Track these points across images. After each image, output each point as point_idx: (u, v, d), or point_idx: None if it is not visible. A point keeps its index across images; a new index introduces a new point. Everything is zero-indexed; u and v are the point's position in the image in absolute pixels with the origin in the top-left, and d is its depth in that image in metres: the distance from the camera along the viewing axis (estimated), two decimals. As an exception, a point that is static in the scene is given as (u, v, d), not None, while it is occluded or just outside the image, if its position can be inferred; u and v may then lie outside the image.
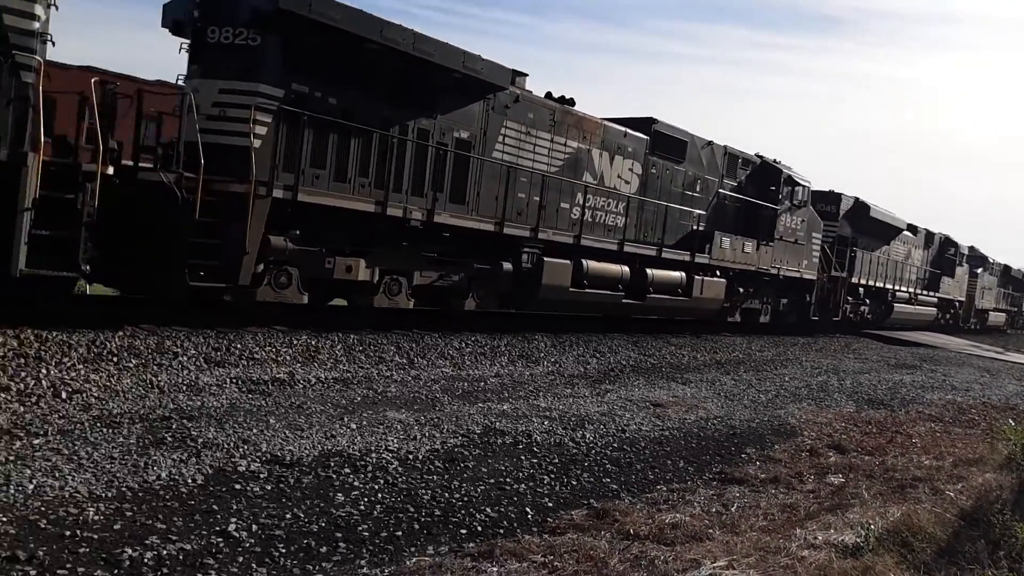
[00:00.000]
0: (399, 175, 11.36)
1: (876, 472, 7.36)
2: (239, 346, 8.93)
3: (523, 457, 6.67)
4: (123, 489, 4.82)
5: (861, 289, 26.22)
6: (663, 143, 16.66)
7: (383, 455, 6.15)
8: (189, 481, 5.10)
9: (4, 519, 4.19)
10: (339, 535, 4.62)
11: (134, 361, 7.80)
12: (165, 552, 4.09)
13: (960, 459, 8.19)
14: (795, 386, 12.99)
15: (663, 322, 17.68)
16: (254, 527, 4.54)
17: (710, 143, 18.11)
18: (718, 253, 17.68)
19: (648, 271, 15.62)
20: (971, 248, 39.31)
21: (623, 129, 15.76)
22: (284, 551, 4.32)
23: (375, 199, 10.83)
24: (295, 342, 9.56)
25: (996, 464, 7.72)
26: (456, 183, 12.36)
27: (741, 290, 19.08)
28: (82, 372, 7.20)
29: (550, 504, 5.65)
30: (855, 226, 25.68)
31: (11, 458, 5.04)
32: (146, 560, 3.98)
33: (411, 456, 6.24)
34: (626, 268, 15.05)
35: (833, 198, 25.45)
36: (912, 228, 31.26)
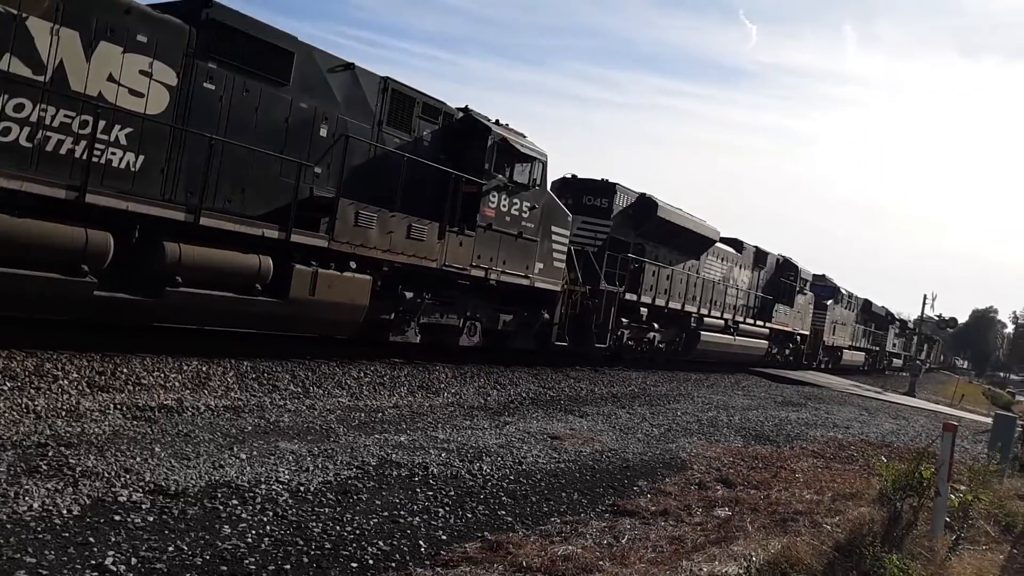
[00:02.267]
0: None
1: (761, 505, 7.63)
2: (125, 370, 8.58)
3: (419, 489, 6.63)
4: (-10, 520, 4.54)
5: (645, 309, 20.60)
6: (234, 44, 10.24)
7: (273, 486, 6.00)
8: (64, 512, 4.85)
9: None
10: (224, 568, 4.47)
11: (9, 384, 7.38)
12: (34, 587, 3.88)
13: (839, 493, 8.59)
14: (687, 421, 13.35)
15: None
16: (133, 560, 4.35)
17: (350, 66, 11.92)
18: (351, 234, 11.38)
19: (169, 246, 9.27)
20: (819, 276, 35.40)
21: (126, 1, 9.26)
22: (164, 585, 4.16)
23: None
24: (185, 368, 9.25)
25: (870, 498, 8.13)
26: None
27: (410, 295, 12.96)
28: (-50, 395, 6.77)
29: (444, 537, 5.62)
30: (641, 230, 20.52)
31: None
32: (13, 596, 3.76)
33: (303, 488, 6.11)
34: (103, 236, 8.62)
35: (604, 189, 19.67)
36: (735, 243, 26.99)
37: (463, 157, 13.79)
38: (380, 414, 9.60)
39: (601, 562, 5.27)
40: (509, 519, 6.28)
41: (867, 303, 45.21)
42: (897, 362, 55.12)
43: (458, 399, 11.74)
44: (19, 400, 7.08)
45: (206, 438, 7.06)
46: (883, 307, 49.73)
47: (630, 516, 6.79)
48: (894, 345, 54.25)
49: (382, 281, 12.30)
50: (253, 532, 5.06)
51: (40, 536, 4.47)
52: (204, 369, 9.40)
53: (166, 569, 4.32)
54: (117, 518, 4.89)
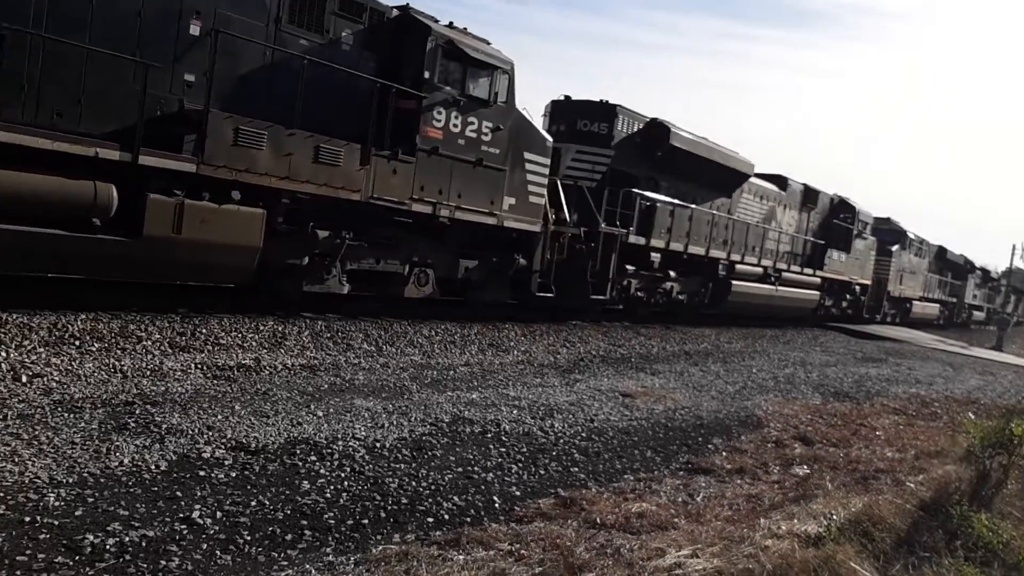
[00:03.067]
0: None
1: (840, 464, 7.46)
2: (204, 331, 8.82)
3: (492, 446, 6.67)
4: (84, 475, 4.74)
5: (657, 255, 17.49)
6: None
7: (350, 443, 6.11)
8: (152, 467, 5.03)
9: (-40, 505, 4.11)
10: (305, 523, 4.59)
11: (97, 345, 7.67)
12: (127, 539, 4.03)
13: (922, 451, 8.34)
14: (762, 378, 13.12)
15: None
16: (218, 514, 4.49)
17: None
18: (231, 155, 9.10)
19: None
20: (882, 219, 31.48)
21: None
22: (249, 538, 4.28)
23: None
24: (262, 328, 9.46)
25: (956, 456, 7.87)
26: None
27: (325, 235, 10.53)
28: (43, 355, 7.06)
29: (518, 493, 5.65)
30: (652, 161, 17.38)
31: (-32, 442, 4.94)
32: (108, 547, 3.93)
33: (378, 444, 6.21)
34: None
35: (603, 112, 16.52)
36: (778, 180, 23.46)
37: (399, 66, 11.13)
38: (452, 372, 9.68)
39: (676, 519, 5.23)
40: (582, 476, 6.28)
41: (941, 250, 40.19)
42: (979, 315, 50.35)
43: (528, 357, 11.75)
44: (107, 360, 7.35)
45: (284, 396, 7.23)
46: (961, 255, 44.89)
47: (705, 474, 6.72)
48: (974, 296, 49.18)
49: (284, 217, 9.99)
50: (331, 487, 5.16)
51: (131, 490, 4.65)
52: (280, 329, 9.61)
53: (249, 523, 4.45)
54: (202, 474, 5.05)
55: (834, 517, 5.30)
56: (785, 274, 23.01)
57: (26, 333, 7.42)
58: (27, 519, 4.07)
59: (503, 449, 6.62)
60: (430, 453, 6.22)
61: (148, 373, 7.28)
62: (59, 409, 5.88)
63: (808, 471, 7.08)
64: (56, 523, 4.09)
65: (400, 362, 9.74)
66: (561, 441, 7.16)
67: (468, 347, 11.41)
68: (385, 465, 5.77)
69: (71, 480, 4.64)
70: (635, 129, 17.24)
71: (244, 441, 5.76)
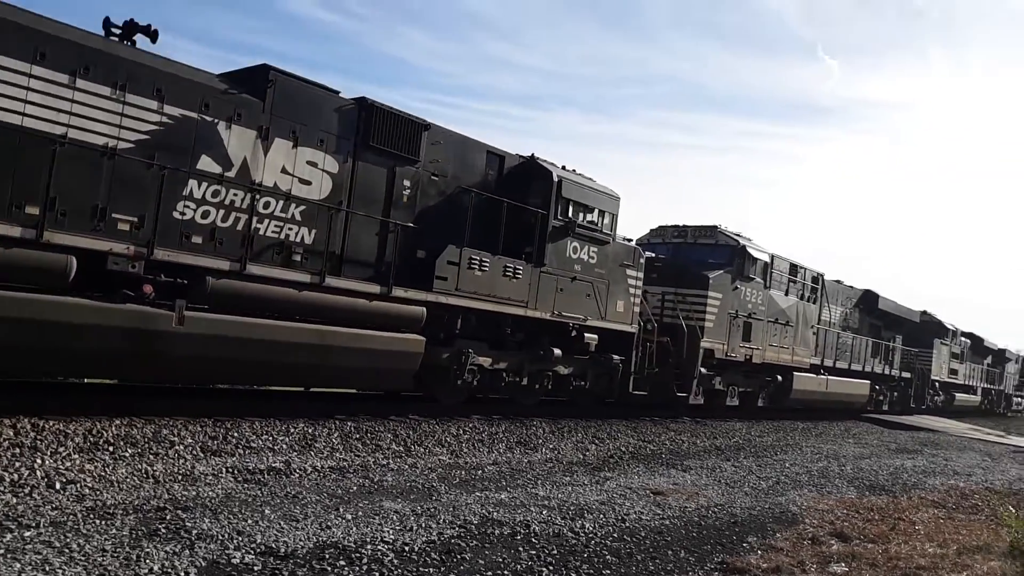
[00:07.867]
0: None
1: (879, 560, 7.26)
2: (236, 435, 8.89)
3: (521, 548, 6.58)
4: (115, 583, 4.74)
5: None
6: None
7: (379, 547, 6.07)
8: (182, 574, 5.02)
9: (-6, 615, 4.13)
10: (334, 630, 4.54)
11: (130, 450, 7.75)
12: (156, 649, 4.01)
13: (964, 546, 8.09)
14: (795, 472, 12.86)
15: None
16: (247, 622, 4.46)
17: None
18: None
19: None
20: (705, 228, 19.29)
21: None
22: (278, 647, 4.24)
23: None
24: (292, 430, 9.52)
25: (1001, 551, 7.63)
26: None
27: None
28: (77, 462, 7.15)
29: (549, 596, 5.55)
30: None
31: (0, 552, 4.98)
32: (137, 658, 3.91)
33: (407, 548, 6.15)
34: None
35: None
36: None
37: None
38: (480, 471, 9.62)
39: (712, 623, 5.10)
40: (614, 578, 6.15)
41: (869, 295, 27.30)
42: (971, 398, 35.08)
43: (556, 454, 11.65)
44: (140, 466, 7.42)
45: (313, 499, 7.22)
46: (928, 313, 32.03)
47: (740, 574, 6.56)
48: (953, 371, 33.02)
49: None
50: (361, 593, 5.11)
51: (161, 598, 4.64)
52: (310, 431, 9.65)
53: (279, 631, 4.41)
54: (231, 580, 5.04)
55: (875, 618, 5.14)
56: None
57: (61, 440, 7.53)
58: (59, 629, 4.07)
59: (533, 552, 6.52)
60: (459, 556, 6.15)
61: (180, 478, 7.32)
62: (91, 516, 5.92)
63: (846, 569, 6.89)
64: (87, 633, 4.08)
65: (428, 462, 9.71)
66: (592, 542, 7.05)
67: (496, 445, 11.35)
68: (414, 569, 5.71)
69: (102, 589, 4.65)
70: None
71: (274, 546, 5.75)
